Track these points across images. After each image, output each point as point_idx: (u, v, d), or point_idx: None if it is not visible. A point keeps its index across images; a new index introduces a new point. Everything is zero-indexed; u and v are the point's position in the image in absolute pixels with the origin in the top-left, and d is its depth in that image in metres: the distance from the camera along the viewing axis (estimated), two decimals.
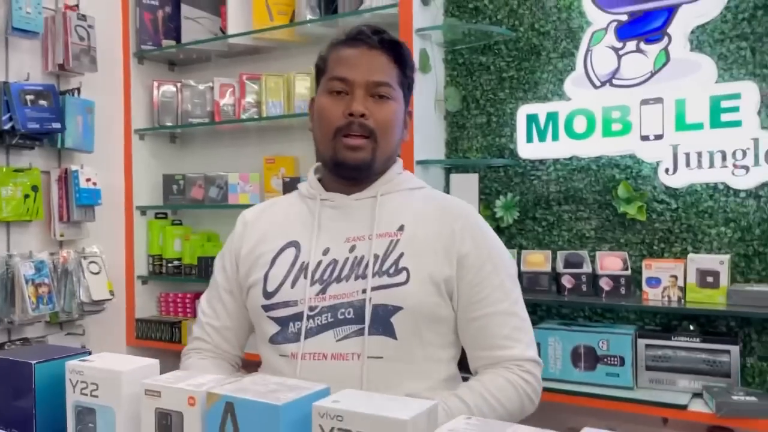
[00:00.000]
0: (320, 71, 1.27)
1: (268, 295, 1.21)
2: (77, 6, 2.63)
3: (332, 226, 1.22)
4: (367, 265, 1.17)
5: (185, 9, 2.84)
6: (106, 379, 0.86)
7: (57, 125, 2.44)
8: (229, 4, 2.72)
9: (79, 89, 2.62)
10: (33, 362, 0.93)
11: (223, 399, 0.76)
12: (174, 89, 2.90)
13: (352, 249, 1.20)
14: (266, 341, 1.22)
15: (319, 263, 1.19)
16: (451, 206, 1.25)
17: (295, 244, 1.23)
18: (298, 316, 1.18)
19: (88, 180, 2.57)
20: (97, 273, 2.56)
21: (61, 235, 2.56)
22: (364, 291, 1.15)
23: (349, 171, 1.22)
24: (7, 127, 2.32)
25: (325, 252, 1.20)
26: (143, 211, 2.92)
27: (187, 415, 0.80)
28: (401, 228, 1.20)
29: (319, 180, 1.30)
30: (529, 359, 1.18)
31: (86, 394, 0.87)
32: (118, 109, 2.87)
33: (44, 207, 2.52)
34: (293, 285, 1.20)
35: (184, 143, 3.11)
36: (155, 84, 2.90)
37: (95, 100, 2.67)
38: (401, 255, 1.16)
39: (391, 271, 1.16)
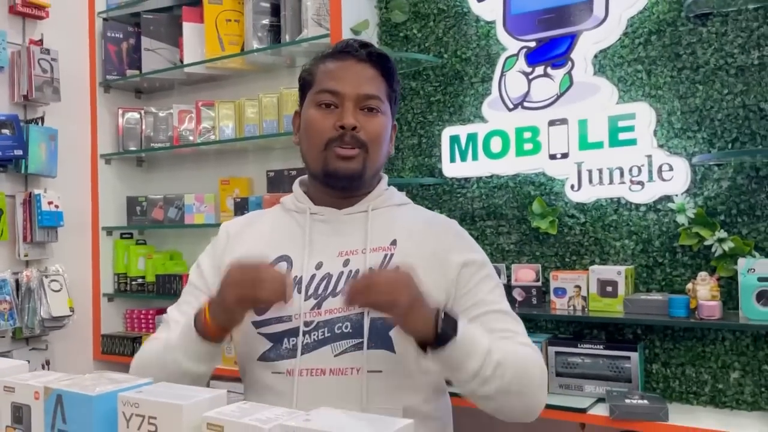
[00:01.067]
0: (307, 84, 1.25)
1: (259, 311, 1.17)
2: (41, 41, 2.81)
3: (324, 241, 1.21)
4: None
5: (146, 41, 3.02)
6: None
7: (19, 152, 2.62)
8: (185, 36, 2.90)
9: (42, 118, 2.79)
10: None
11: (54, 392, 0.89)
12: (138, 116, 3.08)
13: (346, 263, 1.18)
14: (254, 359, 1.19)
15: (313, 277, 1.17)
16: (439, 221, 1.27)
17: (286, 259, 1.21)
18: (293, 332, 1.15)
19: (50, 203, 2.73)
20: (58, 290, 2.72)
21: (26, 255, 2.72)
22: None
23: (340, 181, 1.20)
24: None
25: (318, 266, 1.18)
26: (109, 231, 3.08)
27: (34, 407, 0.93)
28: (394, 242, 1.19)
29: (306, 193, 1.28)
30: (531, 345, 1.17)
31: None
32: (85, 135, 3.05)
33: (9, 228, 2.68)
34: (286, 299, 1.15)
35: (150, 167, 3.27)
36: (120, 111, 3.08)
37: (61, 127, 2.85)
38: (397, 269, 1.14)
39: None
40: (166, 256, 3.06)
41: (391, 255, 1.18)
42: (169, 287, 2.85)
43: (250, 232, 1.28)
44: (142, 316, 3.02)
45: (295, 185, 1.31)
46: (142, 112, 3.07)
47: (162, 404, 0.79)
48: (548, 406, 1.96)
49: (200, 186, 3.01)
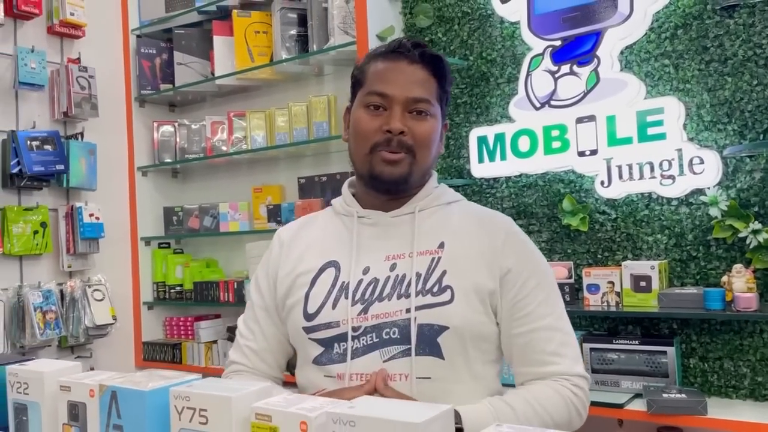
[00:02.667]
0: (357, 82, 1.24)
1: (309, 317, 1.18)
2: (79, 59, 2.92)
3: (371, 245, 1.20)
4: (409, 284, 1.14)
5: (178, 56, 3.10)
6: (33, 379, 1.05)
7: (61, 167, 2.71)
8: (215, 49, 2.97)
9: (82, 134, 2.89)
10: None
11: (109, 389, 0.94)
12: (172, 129, 3.16)
13: (392, 267, 1.17)
14: (309, 362, 1.19)
15: (360, 282, 1.17)
16: (491, 220, 1.22)
17: (334, 264, 1.20)
18: (342, 337, 1.15)
19: (91, 215, 2.83)
20: (101, 300, 2.80)
21: (69, 267, 2.82)
22: (408, 310, 1.13)
23: (386, 185, 1.19)
24: (15, 171, 2.60)
25: (366, 271, 1.17)
26: (147, 241, 3.16)
27: (89, 404, 0.98)
28: (441, 245, 1.17)
29: (354, 195, 1.27)
30: (577, 374, 1.14)
31: (20, 392, 1.07)
32: (122, 148, 3.14)
33: (53, 241, 2.78)
34: (334, 306, 1.17)
35: (184, 178, 3.36)
36: (155, 125, 3.17)
37: (99, 141, 2.95)
38: (444, 273, 1.14)
39: (435, 290, 1.14)
40: (203, 263, 3.14)
41: (438, 258, 1.16)
42: (206, 294, 2.92)
43: (301, 236, 1.28)
44: (180, 323, 3.09)
45: (344, 187, 1.29)
46: (176, 124, 3.16)
47: (212, 397, 0.83)
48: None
49: (234, 194, 3.08)
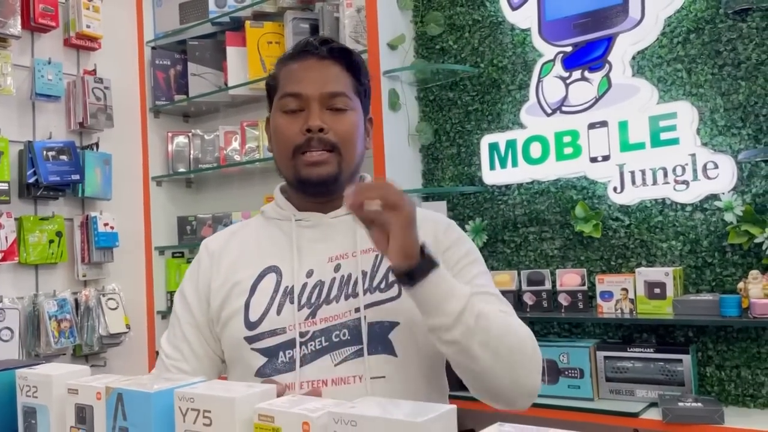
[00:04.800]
0: (272, 90, 1.21)
1: (251, 325, 1.13)
2: (95, 70, 2.96)
3: (312, 247, 1.16)
4: (356, 283, 1.12)
5: (192, 66, 3.13)
6: (42, 382, 1.06)
7: (76, 177, 2.74)
8: (229, 60, 3.00)
9: (97, 144, 2.93)
10: None
11: (115, 391, 0.94)
12: (186, 139, 3.19)
13: (337, 268, 1.14)
14: (251, 375, 1.13)
15: (305, 286, 1.13)
16: (428, 216, 1.21)
17: (274, 269, 1.15)
18: (288, 344, 1.11)
19: (105, 224, 2.85)
20: (115, 309, 2.82)
21: (84, 276, 2.84)
22: (357, 310, 1.10)
23: (315, 187, 1.15)
24: (31, 180, 2.63)
25: (309, 274, 1.14)
26: (161, 250, 3.18)
27: (96, 407, 0.98)
28: None
29: (288, 200, 1.23)
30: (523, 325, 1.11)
31: (30, 396, 1.08)
32: (137, 158, 3.17)
33: (68, 250, 2.81)
34: (279, 311, 1.12)
35: (198, 187, 3.38)
36: (169, 135, 3.20)
37: (114, 152, 2.98)
38: (389, 269, 1.09)
39: (382, 286, 1.12)
40: None
41: (383, 255, 1.09)
42: None
43: (233, 246, 1.22)
44: None
45: (276, 192, 1.25)
46: (190, 134, 3.18)
47: (215, 398, 0.82)
48: (599, 411, 1.96)
49: (247, 204, 3.09)
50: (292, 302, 1.12)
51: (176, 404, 0.85)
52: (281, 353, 1.11)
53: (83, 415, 0.99)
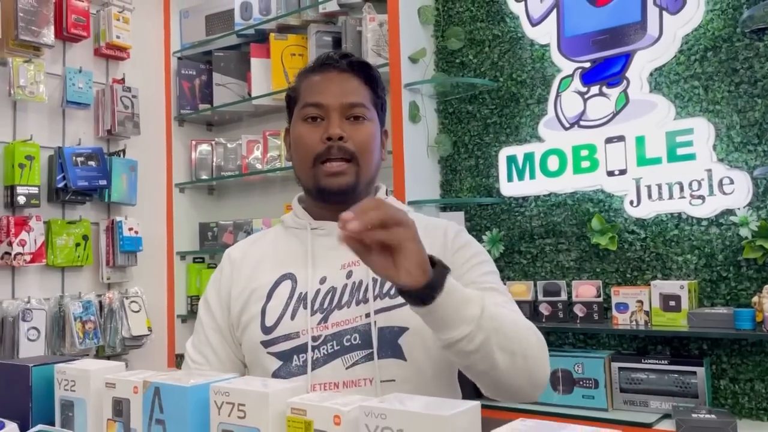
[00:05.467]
0: (292, 101, 1.26)
1: (266, 330, 1.18)
2: (123, 79, 3.04)
3: (327, 255, 1.20)
4: (366, 289, 1.15)
5: (217, 77, 3.21)
6: (80, 377, 1.11)
7: (103, 182, 2.82)
8: (253, 71, 3.08)
9: (124, 151, 3.01)
10: (30, 365, 1.20)
11: (152, 385, 0.99)
12: (209, 147, 3.27)
13: (349, 275, 1.18)
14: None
15: (318, 292, 1.17)
16: (438, 224, 1.25)
17: (290, 276, 1.20)
18: (301, 348, 1.15)
19: (130, 229, 2.92)
20: (138, 311, 2.89)
21: (108, 278, 2.91)
22: (367, 315, 1.14)
23: (333, 197, 1.19)
24: (60, 185, 2.71)
25: (323, 281, 1.18)
26: (183, 255, 3.25)
27: (133, 400, 1.03)
28: None
29: (305, 209, 1.27)
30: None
31: (68, 390, 1.13)
32: (161, 166, 3.25)
33: (93, 254, 2.88)
34: (293, 317, 1.17)
35: (220, 195, 3.45)
36: (193, 143, 3.27)
37: (140, 158, 3.06)
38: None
39: (392, 292, 1.14)
40: None
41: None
42: None
43: (253, 254, 1.27)
44: None
45: (294, 202, 1.30)
46: (213, 143, 3.26)
47: (250, 392, 0.87)
48: (613, 421, 1.98)
49: (267, 211, 3.15)
50: (305, 308, 1.16)
51: (212, 398, 0.89)
52: (295, 357, 1.15)
53: (120, 408, 1.03)
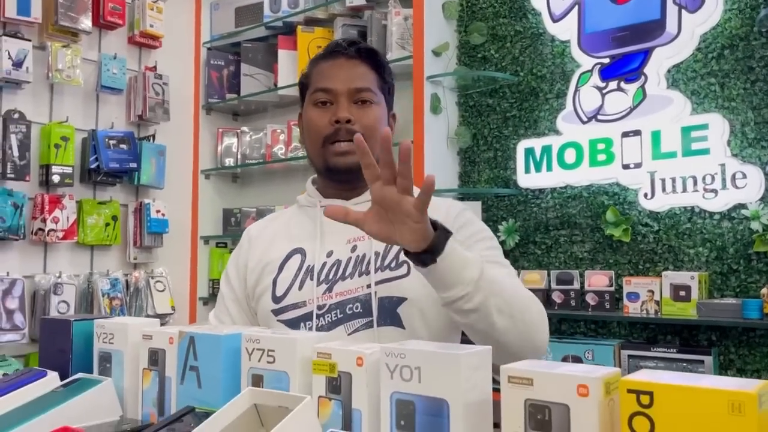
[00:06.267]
0: (304, 87, 1.34)
1: (277, 299, 1.26)
2: (155, 67, 3.15)
3: (334, 230, 1.25)
4: (369, 262, 1.22)
5: (245, 67, 3.31)
6: (118, 330, 1.19)
7: (134, 165, 2.93)
8: (280, 62, 3.16)
9: (154, 136, 3.11)
10: (72, 320, 1.28)
11: (187, 335, 1.07)
12: (234, 136, 3.36)
13: (353, 249, 1.24)
14: None
15: (324, 265, 1.25)
16: (442, 202, 1.29)
17: (300, 251, 1.28)
18: (308, 316, 1.23)
19: (158, 211, 3.02)
20: (162, 291, 2.99)
21: (135, 258, 3.02)
22: (368, 286, 1.21)
23: (341, 175, 1.27)
24: (93, 166, 2.82)
25: (329, 254, 1.25)
26: (206, 240, 3.35)
27: (168, 350, 1.11)
28: None
29: (317, 189, 1.35)
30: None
31: (106, 342, 1.21)
32: (188, 152, 3.35)
33: (122, 234, 2.99)
34: (301, 287, 1.25)
35: (244, 182, 3.55)
36: (219, 132, 3.37)
37: (168, 144, 3.16)
38: (401, 250, 1.13)
39: (393, 265, 1.22)
40: None
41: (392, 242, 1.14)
42: None
43: (269, 231, 1.36)
44: None
45: (308, 183, 1.38)
46: (239, 131, 3.35)
47: (279, 339, 0.95)
48: None
49: (289, 198, 3.19)
50: (312, 279, 1.24)
51: (243, 345, 0.97)
52: (302, 324, 1.23)
53: (156, 357, 1.11)
